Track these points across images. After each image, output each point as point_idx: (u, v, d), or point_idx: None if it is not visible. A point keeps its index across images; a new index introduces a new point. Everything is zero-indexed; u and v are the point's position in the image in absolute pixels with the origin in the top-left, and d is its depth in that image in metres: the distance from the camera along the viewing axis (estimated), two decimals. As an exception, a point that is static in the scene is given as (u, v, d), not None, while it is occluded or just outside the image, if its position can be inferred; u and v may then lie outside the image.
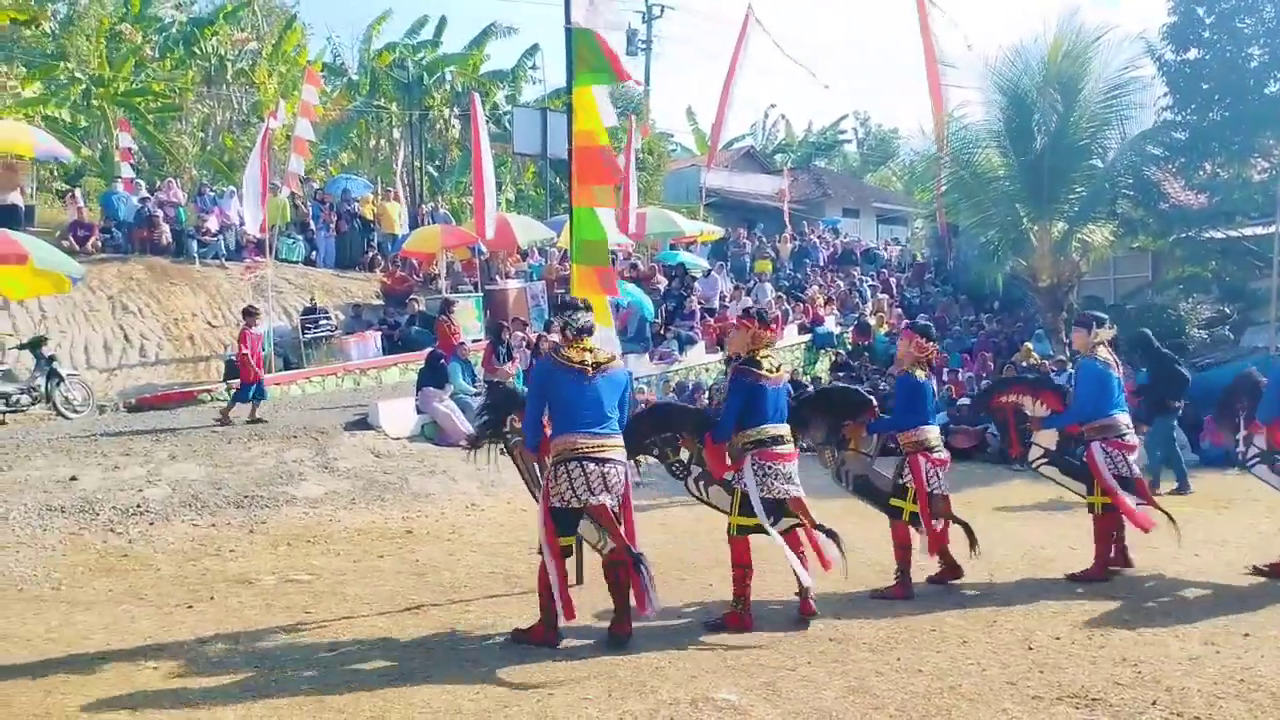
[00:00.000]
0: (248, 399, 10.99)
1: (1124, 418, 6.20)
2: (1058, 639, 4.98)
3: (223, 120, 29.42)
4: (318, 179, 29.40)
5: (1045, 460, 6.58)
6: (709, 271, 19.97)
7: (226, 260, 16.98)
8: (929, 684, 4.34)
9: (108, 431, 10.16)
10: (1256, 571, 6.19)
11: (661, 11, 34.49)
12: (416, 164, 27.51)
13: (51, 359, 11.88)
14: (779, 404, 5.32)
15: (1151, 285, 18.62)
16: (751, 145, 38.09)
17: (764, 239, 24.65)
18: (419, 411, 11.16)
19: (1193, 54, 15.93)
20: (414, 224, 20.33)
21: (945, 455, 6.04)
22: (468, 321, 16.03)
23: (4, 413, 11.29)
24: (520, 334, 13.62)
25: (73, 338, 13.95)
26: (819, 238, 26.17)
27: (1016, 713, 4.02)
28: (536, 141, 21.55)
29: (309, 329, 15.13)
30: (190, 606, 5.68)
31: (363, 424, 10.95)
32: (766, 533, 5.17)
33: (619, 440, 4.90)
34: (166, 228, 16.81)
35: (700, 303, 17.59)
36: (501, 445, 5.74)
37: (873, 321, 17.97)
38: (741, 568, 5.18)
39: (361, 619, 5.45)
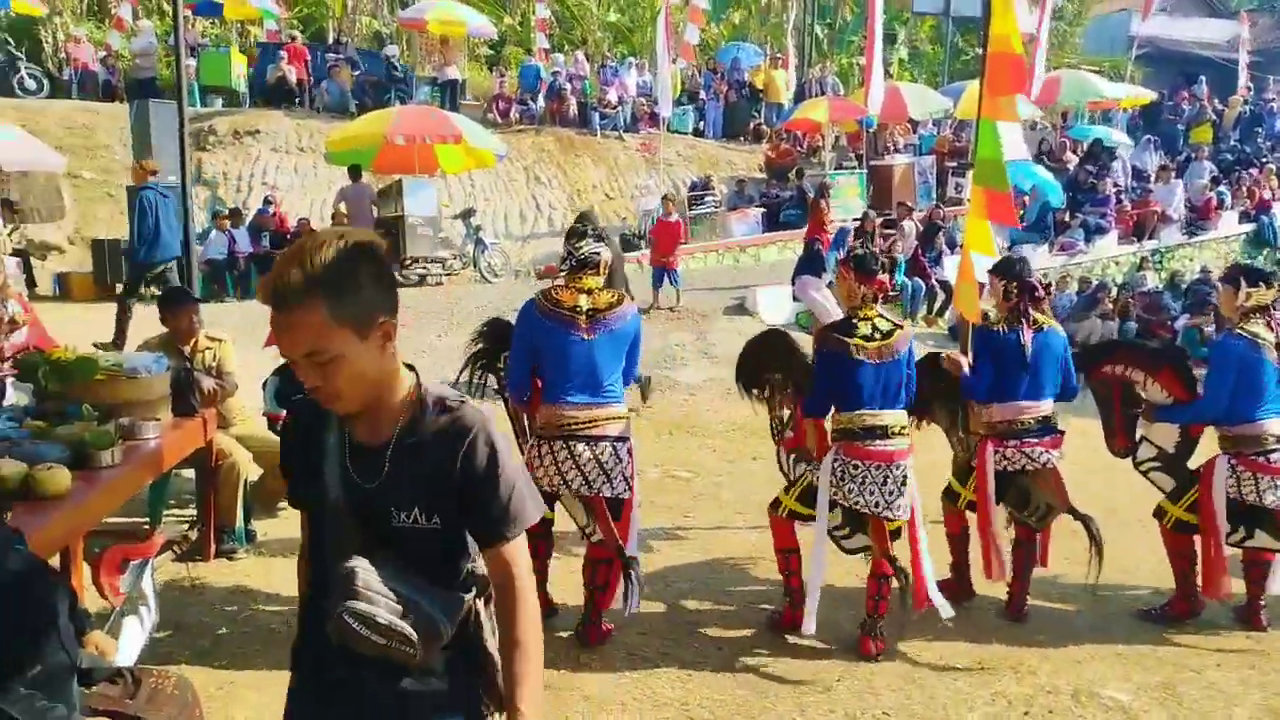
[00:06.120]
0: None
1: (1274, 426, 4.31)
2: None
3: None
4: (708, 37, 29.63)
5: (1156, 465, 4.72)
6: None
7: (623, 132, 17.87)
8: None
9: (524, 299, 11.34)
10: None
11: None
12: (808, 22, 26.56)
13: (478, 228, 13.42)
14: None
15: None
16: (1201, -19, 32.06)
17: (1204, 102, 20.97)
18: (795, 299, 11.19)
19: None
20: (800, 91, 19.90)
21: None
22: (850, 199, 15.61)
23: (442, 275, 13.03)
24: (907, 221, 12.95)
25: (494, 207, 15.62)
26: (1280, 101, 21.79)
27: None
28: (939, -2, 19.81)
29: (695, 205, 15.59)
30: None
31: (740, 309, 11.24)
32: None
33: (616, 409, 3.93)
34: (573, 100, 17.97)
35: (1116, 185, 15.54)
36: (489, 382, 4.58)
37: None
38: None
39: (733, 531, 5.70)
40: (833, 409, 4.12)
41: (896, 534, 4.10)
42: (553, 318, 3.90)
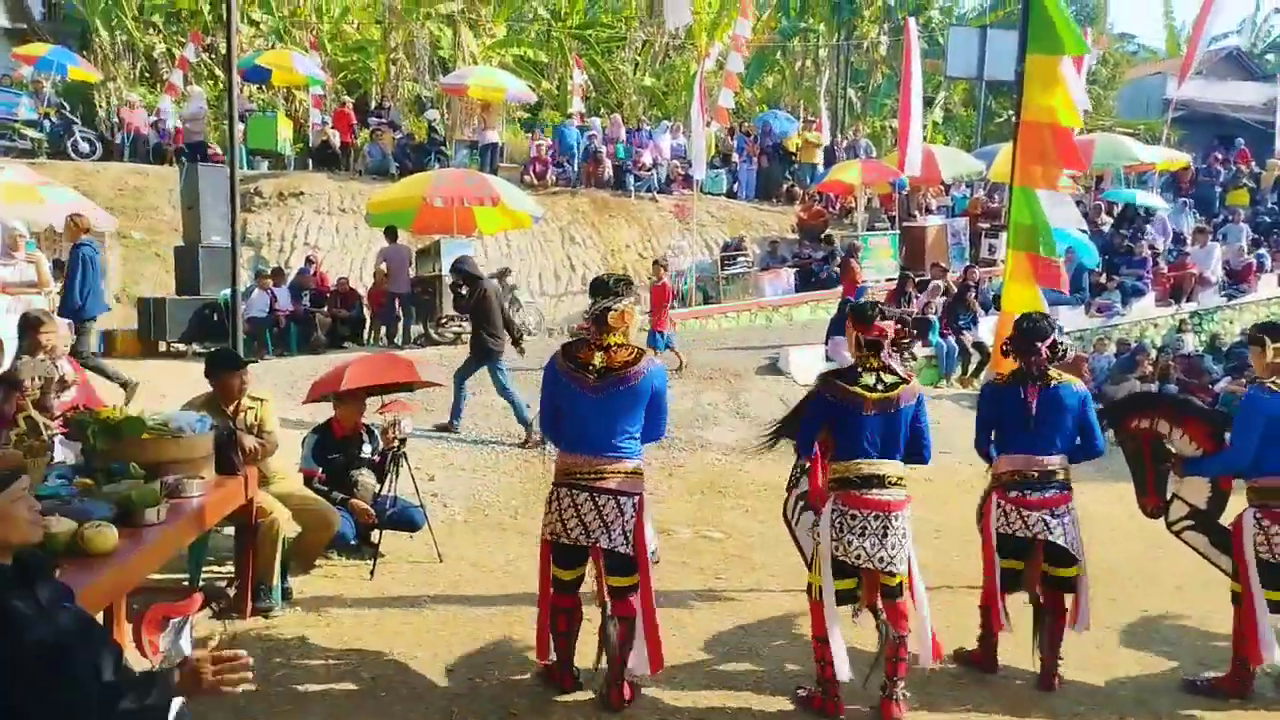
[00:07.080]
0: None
1: None
2: None
3: (660, 46, 31.10)
4: (741, 100, 30.12)
5: (1189, 524, 4.64)
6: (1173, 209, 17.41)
7: (657, 193, 18.13)
8: None
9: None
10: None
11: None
12: (840, 86, 26.97)
13: (513, 288, 13.58)
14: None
15: None
16: (1236, 46, 32.19)
17: (1240, 166, 20.89)
18: (828, 359, 11.19)
19: None
20: (831, 154, 20.12)
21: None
22: (883, 260, 15.68)
23: (477, 334, 13.18)
24: (940, 281, 12.95)
25: (530, 266, 15.85)
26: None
27: None
28: (972, 64, 20.04)
29: (728, 265, 15.72)
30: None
31: (773, 368, 11.25)
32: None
33: (626, 464, 3.99)
34: (608, 162, 18.29)
35: (1152, 247, 15.47)
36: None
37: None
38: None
39: (766, 594, 5.65)
40: (831, 459, 4.13)
41: (898, 590, 4.05)
42: (567, 375, 4.03)
